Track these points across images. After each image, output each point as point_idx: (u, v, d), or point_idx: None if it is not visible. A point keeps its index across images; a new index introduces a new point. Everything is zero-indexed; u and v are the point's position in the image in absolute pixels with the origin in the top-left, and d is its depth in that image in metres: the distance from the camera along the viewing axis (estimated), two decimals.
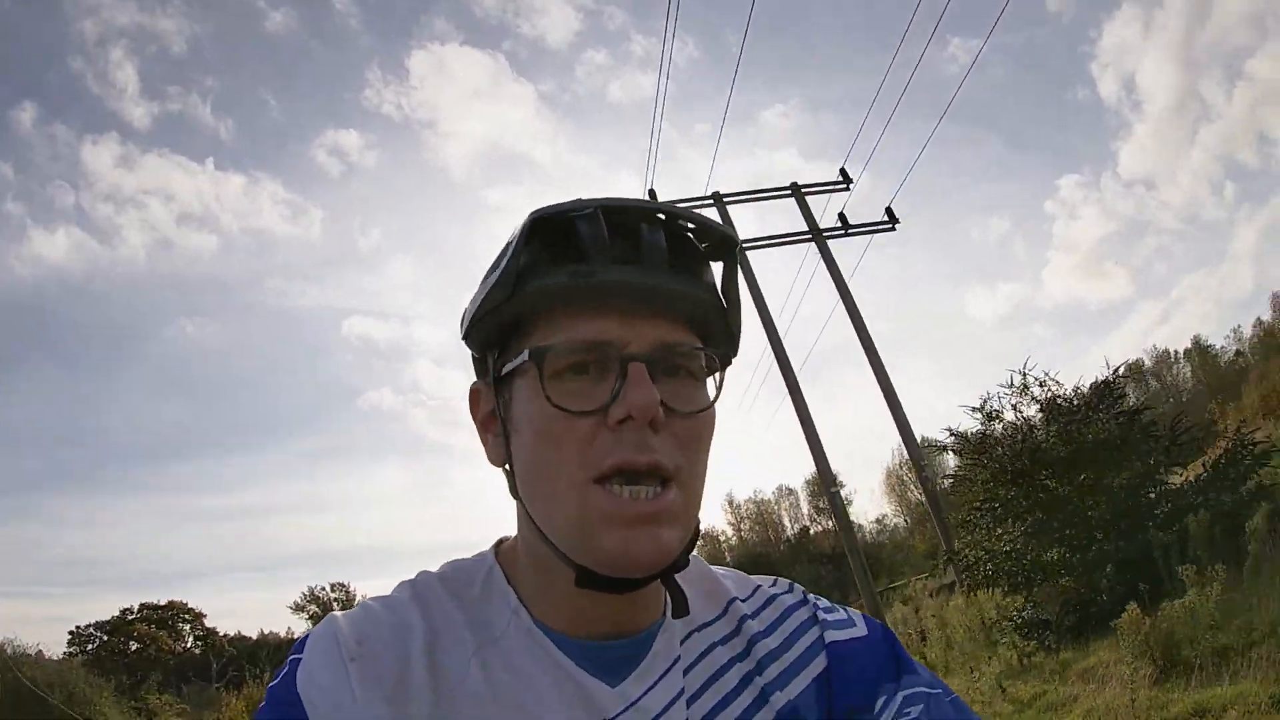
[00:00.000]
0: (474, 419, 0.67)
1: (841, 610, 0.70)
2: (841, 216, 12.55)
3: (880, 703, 0.63)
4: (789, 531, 48.22)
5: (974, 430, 9.08)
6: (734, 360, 0.65)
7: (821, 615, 0.69)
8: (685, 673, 0.63)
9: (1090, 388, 8.47)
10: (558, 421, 0.57)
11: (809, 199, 12.54)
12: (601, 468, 0.56)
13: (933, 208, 64.39)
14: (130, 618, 34.96)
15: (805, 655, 0.66)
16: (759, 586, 0.71)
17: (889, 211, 12.55)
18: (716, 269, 0.64)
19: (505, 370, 0.61)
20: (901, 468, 43.46)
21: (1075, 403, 8.41)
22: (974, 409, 9.03)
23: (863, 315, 11.58)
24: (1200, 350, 43.65)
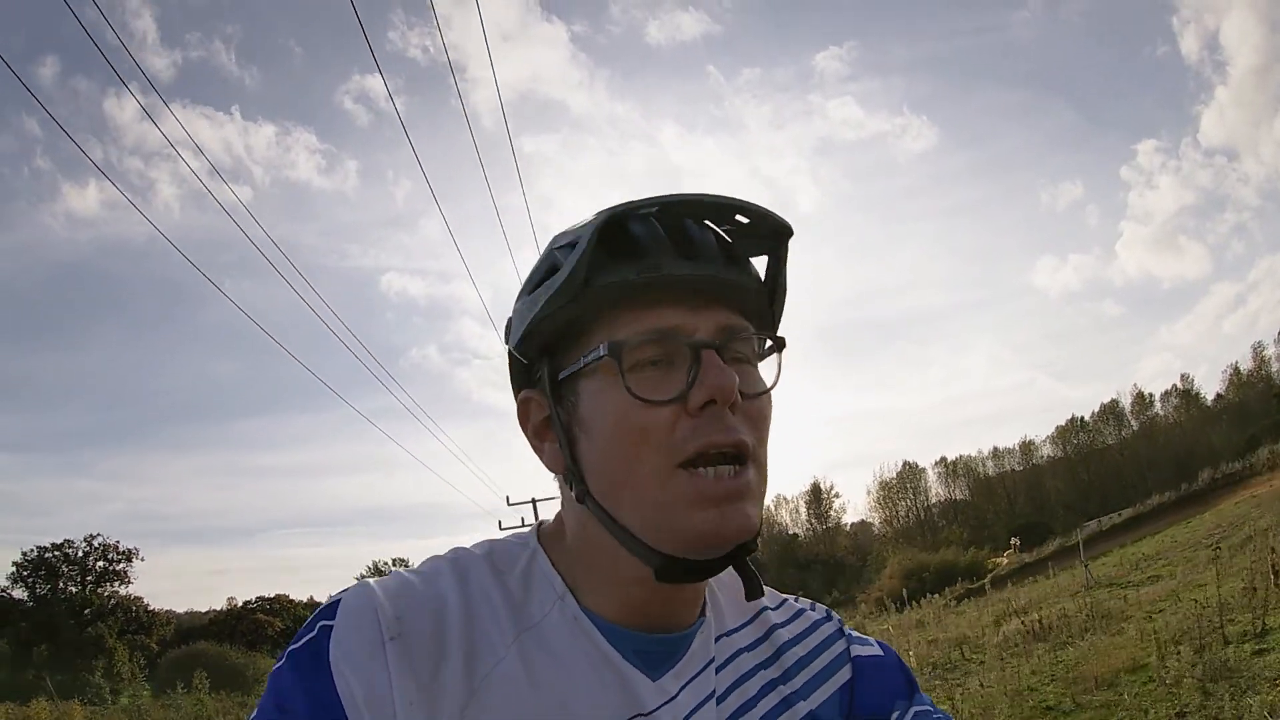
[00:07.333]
0: (525, 430, 0.66)
1: (860, 634, 0.74)
2: None
3: (894, 716, 0.68)
4: (787, 533, 53.70)
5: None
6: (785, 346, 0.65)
7: (847, 631, 0.73)
8: (717, 672, 0.65)
9: None
10: (640, 412, 0.57)
11: None
12: (687, 452, 0.57)
13: (1006, 175, 65.67)
14: (251, 607, 42.66)
15: (831, 665, 0.69)
16: (787, 600, 0.74)
17: None
18: (762, 260, 0.65)
19: (567, 372, 0.61)
20: (893, 482, 51.81)
21: None
22: None
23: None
24: (1183, 393, 47.13)
